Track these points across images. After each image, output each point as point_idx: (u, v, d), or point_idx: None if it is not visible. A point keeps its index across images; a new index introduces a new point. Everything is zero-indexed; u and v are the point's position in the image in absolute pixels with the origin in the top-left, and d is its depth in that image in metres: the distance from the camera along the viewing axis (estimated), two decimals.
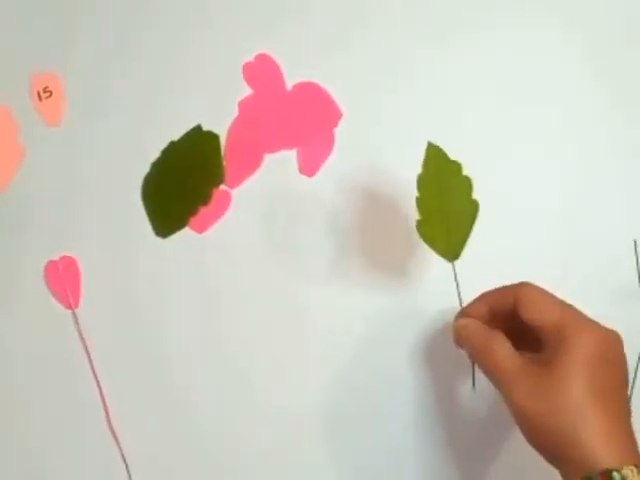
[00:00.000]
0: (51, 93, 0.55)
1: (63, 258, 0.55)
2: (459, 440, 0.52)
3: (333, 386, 0.53)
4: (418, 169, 0.46)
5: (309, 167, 0.55)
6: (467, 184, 0.46)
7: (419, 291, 0.53)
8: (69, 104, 0.56)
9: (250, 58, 0.56)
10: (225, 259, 0.55)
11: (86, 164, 0.56)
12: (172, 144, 0.55)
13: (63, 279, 0.55)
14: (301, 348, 0.54)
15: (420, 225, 0.46)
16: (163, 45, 0.57)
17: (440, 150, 0.46)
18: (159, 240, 0.55)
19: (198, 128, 0.55)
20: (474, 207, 0.46)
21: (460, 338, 0.45)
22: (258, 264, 0.54)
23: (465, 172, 0.46)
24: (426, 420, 0.52)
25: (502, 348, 0.42)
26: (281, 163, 0.55)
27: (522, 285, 0.43)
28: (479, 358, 0.43)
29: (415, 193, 0.46)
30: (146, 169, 0.55)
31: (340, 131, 0.55)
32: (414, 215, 0.46)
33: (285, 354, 0.54)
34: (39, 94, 0.56)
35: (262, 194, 0.55)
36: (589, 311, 0.42)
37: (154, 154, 0.55)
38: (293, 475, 0.53)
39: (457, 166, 0.46)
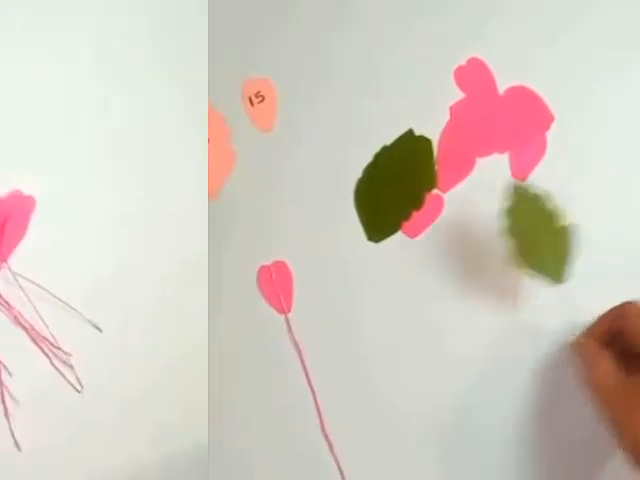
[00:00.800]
0: (263, 98, 0.55)
1: (275, 263, 0.55)
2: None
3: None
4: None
5: (521, 170, 0.55)
6: (556, 214, 0.48)
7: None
8: (279, 109, 0.56)
9: (462, 62, 0.56)
10: (436, 263, 0.54)
11: (296, 168, 0.56)
12: (385, 149, 0.55)
13: (276, 283, 0.55)
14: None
15: (516, 255, 0.48)
16: (373, 48, 0.57)
17: (524, 187, 0.48)
18: (370, 244, 0.55)
19: (410, 132, 0.55)
20: (569, 233, 0.48)
21: (575, 356, 0.47)
22: (468, 266, 0.54)
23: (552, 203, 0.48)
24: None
25: (603, 364, 0.43)
26: (493, 167, 0.55)
27: (625, 304, 0.45)
28: (583, 374, 0.45)
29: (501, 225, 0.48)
30: (356, 174, 0.56)
31: (551, 134, 0.55)
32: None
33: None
34: (251, 99, 0.56)
35: (474, 198, 0.55)
36: None
37: (365, 159, 0.56)
38: None
39: (543, 198, 0.48)
